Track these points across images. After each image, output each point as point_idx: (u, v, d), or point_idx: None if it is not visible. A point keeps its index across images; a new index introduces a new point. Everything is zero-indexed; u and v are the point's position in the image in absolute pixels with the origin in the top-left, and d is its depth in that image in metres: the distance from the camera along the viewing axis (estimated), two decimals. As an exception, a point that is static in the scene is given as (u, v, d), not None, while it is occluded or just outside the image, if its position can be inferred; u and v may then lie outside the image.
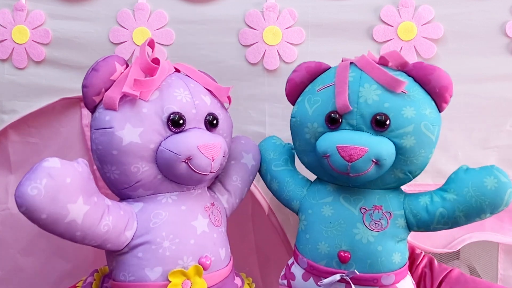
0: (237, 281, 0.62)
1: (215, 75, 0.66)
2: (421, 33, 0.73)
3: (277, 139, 0.70)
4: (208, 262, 0.55)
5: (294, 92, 0.63)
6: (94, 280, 0.62)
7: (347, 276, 0.56)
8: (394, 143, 0.54)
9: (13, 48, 0.79)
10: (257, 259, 0.87)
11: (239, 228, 0.82)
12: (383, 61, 0.58)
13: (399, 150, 0.54)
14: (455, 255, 0.84)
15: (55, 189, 0.45)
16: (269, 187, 0.68)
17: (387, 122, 0.54)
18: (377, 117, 0.54)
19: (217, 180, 0.67)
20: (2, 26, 0.79)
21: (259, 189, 0.78)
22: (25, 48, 0.78)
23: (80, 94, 0.75)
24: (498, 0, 0.72)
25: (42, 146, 0.82)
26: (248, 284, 0.66)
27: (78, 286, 0.62)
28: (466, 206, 0.53)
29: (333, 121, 0.56)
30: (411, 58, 0.73)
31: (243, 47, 0.77)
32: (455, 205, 0.54)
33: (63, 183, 0.46)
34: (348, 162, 0.53)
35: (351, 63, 0.59)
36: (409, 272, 0.61)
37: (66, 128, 0.81)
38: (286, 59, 0.77)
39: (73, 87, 0.78)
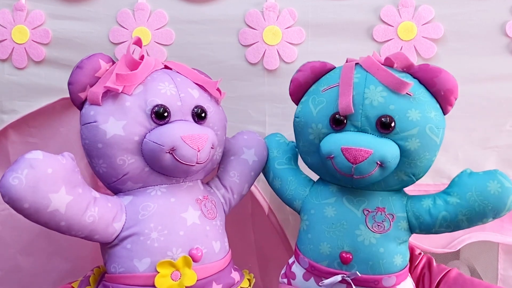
0: (235, 275, 0.61)
1: (215, 75, 0.66)
2: (421, 33, 0.73)
3: (281, 137, 0.70)
4: (199, 254, 0.56)
5: (298, 92, 0.63)
6: (93, 274, 0.62)
7: (348, 277, 0.56)
8: (398, 145, 0.54)
9: (13, 48, 0.79)
10: (257, 259, 0.87)
11: (239, 227, 0.82)
12: (388, 62, 0.58)
13: (403, 152, 0.54)
14: (455, 255, 0.84)
15: (35, 179, 0.46)
16: (271, 185, 0.68)
17: (392, 124, 0.54)
18: (382, 119, 0.54)
19: (215, 175, 0.67)
20: (2, 26, 0.78)
21: (259, 189, 0.78)
22: (25, 48, 0.78)
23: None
24: (498, 0, 0.72)
25: (42, 146, 0.81)
26: (248, 279, 0.65)
27: (76, 281, 0.62)
28: (469, 210, 0.54)
29: (338, 122, 0.56)
30: (411, 58, 0.73)
31: (243, 47, 0.77)
32: (458, 209, 0.54)
33: (44, 173, 0.47)
34: (353, 164, 0.53)
35: (356, 63, 0.58)
36: (409, 274, 0.61)
37: (66, 128, 0.81)
38: (286, 59, 0.77)
39: (73, 87, 0.78)
